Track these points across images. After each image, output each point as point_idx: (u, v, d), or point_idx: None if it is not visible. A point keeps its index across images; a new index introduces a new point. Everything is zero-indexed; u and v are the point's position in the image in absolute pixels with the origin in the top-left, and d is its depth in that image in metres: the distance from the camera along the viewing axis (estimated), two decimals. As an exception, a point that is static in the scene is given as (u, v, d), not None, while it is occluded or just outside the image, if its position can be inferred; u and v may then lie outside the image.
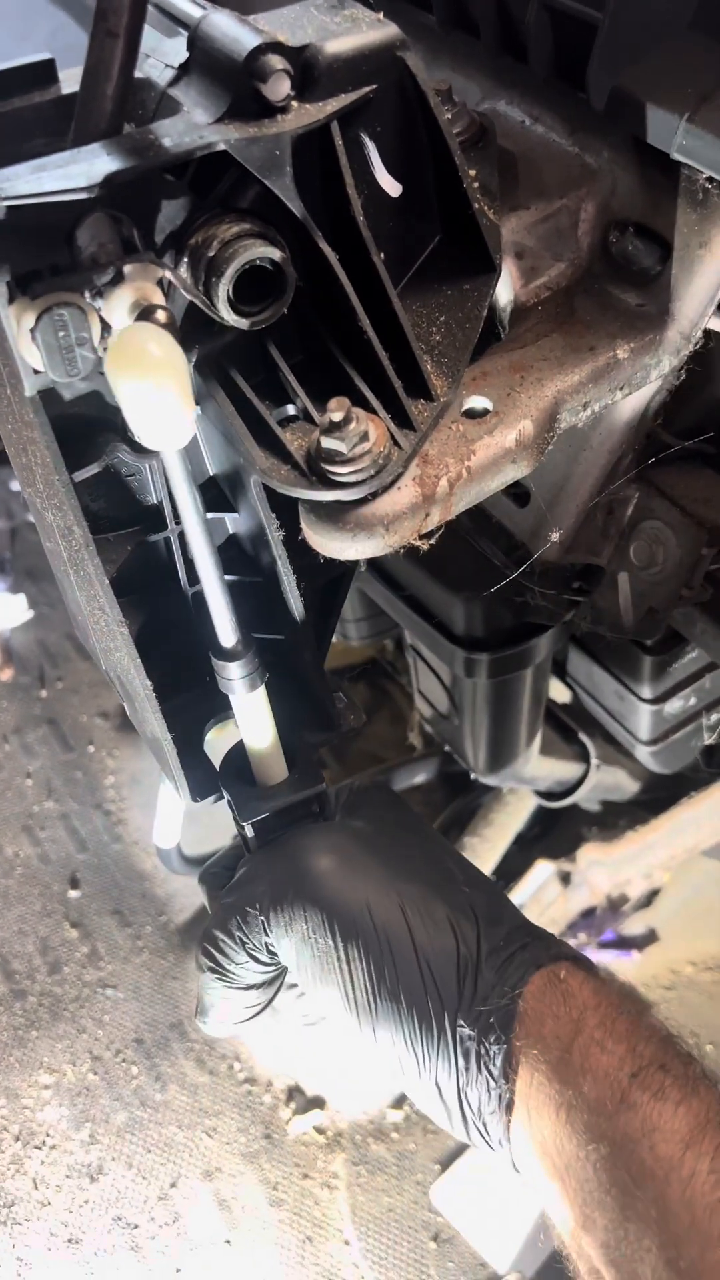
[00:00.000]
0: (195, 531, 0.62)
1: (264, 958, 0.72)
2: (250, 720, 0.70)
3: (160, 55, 0.60)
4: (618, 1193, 0.57)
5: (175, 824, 1.04)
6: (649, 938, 2.21)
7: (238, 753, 0.75)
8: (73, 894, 2.22)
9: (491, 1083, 0.64)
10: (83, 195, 0.52)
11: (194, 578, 0.73)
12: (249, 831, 0.74)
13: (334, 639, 1.52)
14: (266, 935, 0.71)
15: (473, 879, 0.74)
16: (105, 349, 0.56)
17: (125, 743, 2.47)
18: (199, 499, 0.61)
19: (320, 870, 0.70)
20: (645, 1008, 0.65)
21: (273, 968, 0.74)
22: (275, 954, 0.72)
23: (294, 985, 0.79)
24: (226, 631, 0.65)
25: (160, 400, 0.49)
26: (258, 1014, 0.78)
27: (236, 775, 0.74)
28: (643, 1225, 0.56)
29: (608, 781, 1.72)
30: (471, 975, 0.67)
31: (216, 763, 0.77)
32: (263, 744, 0.71)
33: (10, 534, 2.80)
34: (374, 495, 0.57)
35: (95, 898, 2.21)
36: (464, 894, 0.71)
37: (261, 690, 0.68)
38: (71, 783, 2.43)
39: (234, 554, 0.73)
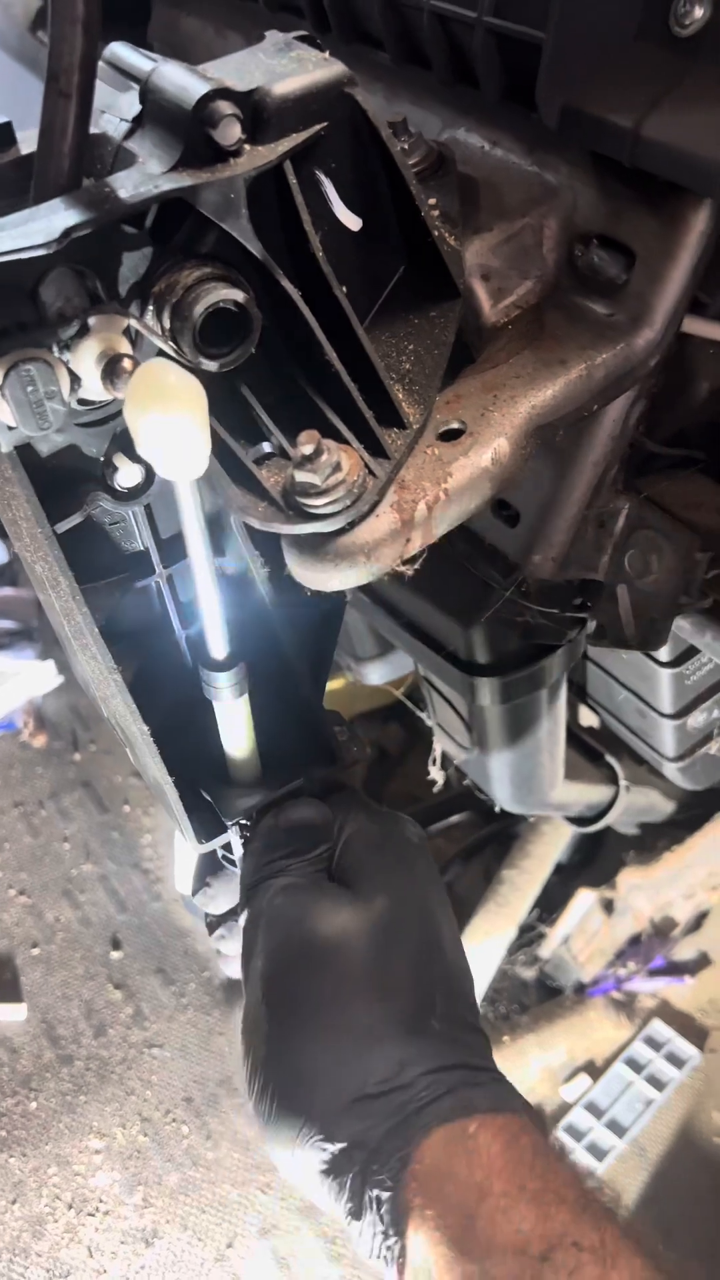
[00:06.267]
0: (196, 544, 0.63)
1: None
2: (232, 727, 0.72)
3: (115, 110, 0.61)
4: None
5: (195, 869, 1.04)
6: (701, 961, 2.18)
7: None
8: (115, 955, 2.21)
9: (380, 1228, 0.61)
10: (42, 252, 0.52)
11: (185, 621, 0.73)
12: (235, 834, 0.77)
13: (354, 681, 1.51)
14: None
15: (457, 997, 0.70)
16: (79, 400, 0.57)
17: (158, 799, 2.48)
18: (203, 519, 0.62)
19: (304, 938, 0.69)
20: (560, 1161, 0.61)
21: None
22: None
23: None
24: (218, 644, 0.68)
25: (180, 430, 0.51)
26: None
27: (214, 779, 0.77)
28: None
29: (640, 803, 1.70)
30: (374, 1117, 0.63)
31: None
32: (242, 750, 0.74)
33: (37, 603, 2.83)
34: (352, 525, 0.57)
35: (137, 958, 2.21)
36: (431, 1028, 0.67)
37: (245, 699, 0.71)
38: (109, 844, 2.44)
39: (227, 594, 0.73)
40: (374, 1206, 0.61)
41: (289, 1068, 0.65)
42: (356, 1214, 0.62)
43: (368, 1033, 0.65)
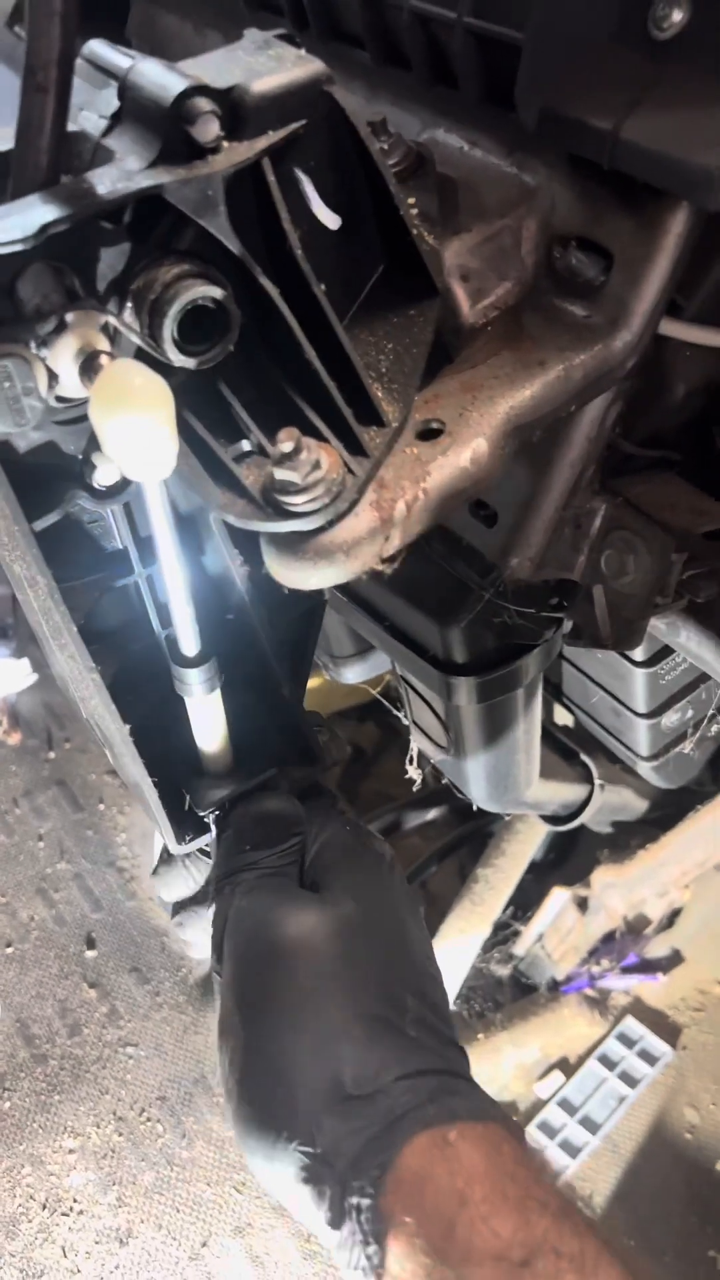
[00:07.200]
0: (165, 542, 0.62)
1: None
2: (204, 723, 0.73)
3: (93, 107, 0.61)
4: None
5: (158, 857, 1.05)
6: (674, 959, 2.19)
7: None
8: (89, 954, 2.21)
9: (360, 1237, 0.60)
10: (19, 248, 0.52)
11: (165, 621, 0.73)
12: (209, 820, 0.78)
13: (330, 679, 1.51)
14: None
15: (430, 1006, 0.69)
16: (57, 397, 0.57)
17: (136, 798, 2.47)
18: (172, 518, 0.62)
19: (274, 944, 0.67)
20: (541, 1170, 0.61)
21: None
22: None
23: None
24: (189, 641, 0.68)
25: (146, 432, 0.50)
26: None
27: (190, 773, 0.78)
28: None
29: (615, 801, 1.71)
30: (353, 1121, 0.62)
31: None
32: (215, 745, 0.75)
33: (12, 600, 2.81)
34: (331, 523, 0.57)
35: (112, 956, 2.20)
36: (405, 1031, 0.66)
37: (217, 694, 0.71)
38: (84, 842, 2.43)
39: (206, 594, 0.73)
40: (353, 1215, 0.60)
41: (265, 1071, 0.65)
42: (336, 1223, 0.60)
43: (342, 1032, 0.65)
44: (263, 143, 0.56)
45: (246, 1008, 0.66)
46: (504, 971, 2.19)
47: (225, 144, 0.56)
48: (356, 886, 0.71)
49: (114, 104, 0.59)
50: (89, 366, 0.53)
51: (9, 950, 2.21)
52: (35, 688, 2.67)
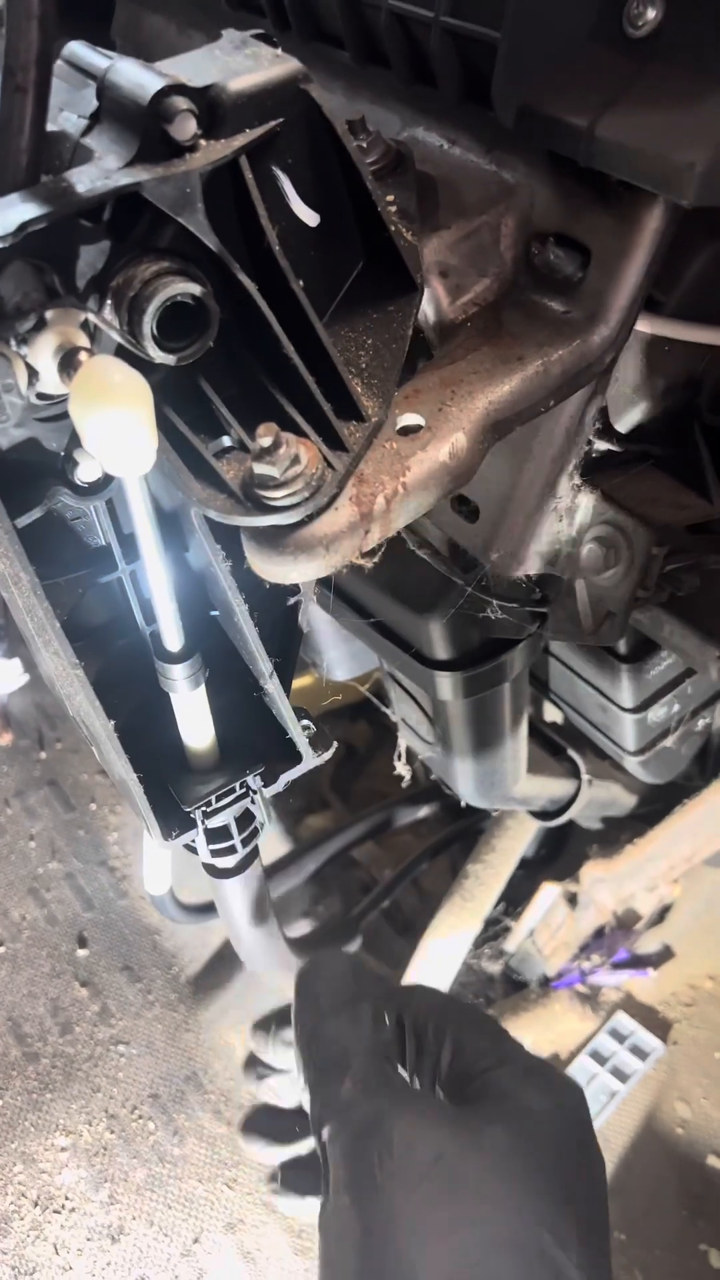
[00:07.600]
0: (146, 537, 0.62)
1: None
2: (189, 719, 0.72)
3: (73, 107, 0.61)
4: None
5: (164, 869, 1.04)
6: (664, 954, 2.20)
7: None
8: (81, 953, 2.21)
9: None
10: (-3, 246, 0.52)
11: (149, 617, 0.73)
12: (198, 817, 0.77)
13: (320, 677, 1.51)
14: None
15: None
16: (38, 394, 0.57)
17: (124, 796, 2.47)
18: (153, 512, 0.62)
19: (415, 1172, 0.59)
20: None
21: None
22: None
23: None
24: (172, 636, 0.67)
25: (125, 427, 0.51)
26: None
27: (176, 770, 0.77)
28: None
29: (602, 797, 1.72)
30: None
31: None
32: (201, 742, 0.74)
33: (2, 601, 2.80)
34: (310, 517, 0.57)
35: (104, 955, 2.20)
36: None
37: (202, 689, 0.71)
38: (75, 842, 2.43)
39: (190, 590, 0.73)
40: None
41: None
42: None
43: (484, 1249, 0.56)
44: (240, 141, 0.57)
45: (365, 1211, 0.60)
46: (495, 968, 2.19)
47: (203, 142, 0.57)
48: (537, 1107, 0.63)
49: (93, 104, 0.60)
50: (68, 363, 0.54)
51: (1, 950, 2.21)
52: (27, 688, 2.67)
